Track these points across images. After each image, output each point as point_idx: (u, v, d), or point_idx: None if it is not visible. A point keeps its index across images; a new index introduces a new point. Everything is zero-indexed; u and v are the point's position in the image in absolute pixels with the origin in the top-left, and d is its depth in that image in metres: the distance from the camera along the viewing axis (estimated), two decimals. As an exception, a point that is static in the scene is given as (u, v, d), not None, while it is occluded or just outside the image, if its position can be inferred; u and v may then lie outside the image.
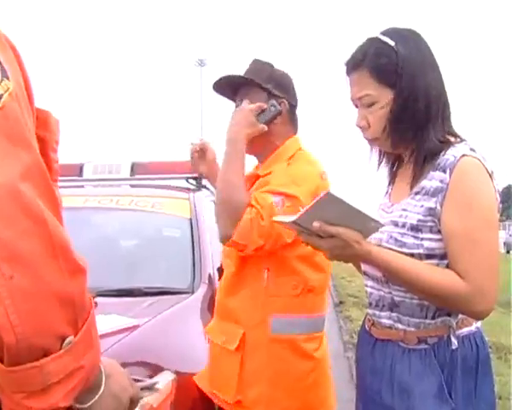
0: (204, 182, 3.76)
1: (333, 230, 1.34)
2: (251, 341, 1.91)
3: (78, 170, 3.69)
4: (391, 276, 1.46)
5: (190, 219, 3.03)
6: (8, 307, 0.70)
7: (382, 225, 1.42)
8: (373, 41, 1.51)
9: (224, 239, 1.84)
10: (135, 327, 1.98)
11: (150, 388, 1.24)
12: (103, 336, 1.81)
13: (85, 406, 0.84)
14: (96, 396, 0.86)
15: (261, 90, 2.01)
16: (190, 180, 3.73)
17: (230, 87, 2.09)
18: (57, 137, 0.90)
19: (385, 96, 1.47)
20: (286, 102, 2.03)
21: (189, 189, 3.59)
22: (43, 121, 0.83)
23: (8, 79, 0.78)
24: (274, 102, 1.98)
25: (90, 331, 0.81)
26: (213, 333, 2.03)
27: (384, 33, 1.51)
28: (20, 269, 0.72)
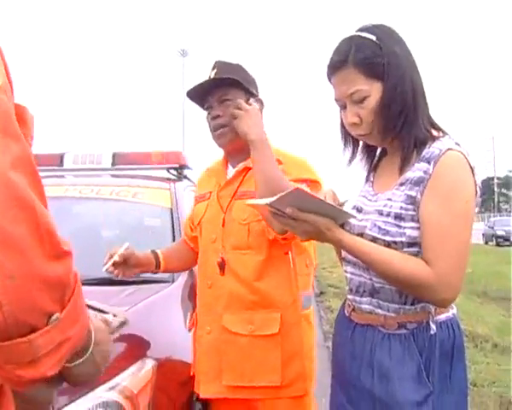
0: (185, 172, 3.79)
1: (304, 216, 1.45)
2: (287, 321, 2.02)
3: (59, 160, 3.67)
4: (363, 262, 1.51)
5: (171, 209, 3.05)
6: None
7: (353, 216, 1.51)
8: (352, 39, 1.53)
9: (283, 232, 1.87)
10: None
11: (124, 322, 1.27)
12: None
13: (69, 365, 0.90)
14: (81, 359, 0.92)
15: (241, 90, 2.05)
16: (171, 170, 3.74)
17: (202, 89, 2.10)
18: (32, 133, 0.93)
19: (375, 89, 1.50)
20: (260, 99, 2.10)
21: (169, 179, 3.59)
22: (19, 117, 0.84)
23: None
24: (254, 99, 2.03)
25: (76, 306, 0.84)
26: (232, 324, 2.02)
27: (363, 29, 1.53)
28: (10, 254, 0.74)
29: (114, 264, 2.13)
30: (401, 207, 1.48)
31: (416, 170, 1.48)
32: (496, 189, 79.46)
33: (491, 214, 61.20)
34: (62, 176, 3.64)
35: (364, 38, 1.51)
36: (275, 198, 1.46)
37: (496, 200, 79.63)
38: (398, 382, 1.47)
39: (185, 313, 2.46)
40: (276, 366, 1.98)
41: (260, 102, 2.08)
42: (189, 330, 2.27)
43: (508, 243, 31.03)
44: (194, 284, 2.58)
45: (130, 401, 1.62)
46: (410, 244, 1.46)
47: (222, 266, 2.04)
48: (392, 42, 1.52)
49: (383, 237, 1.48)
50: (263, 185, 1.86)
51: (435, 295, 1.43)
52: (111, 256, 2.13)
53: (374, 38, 1.51)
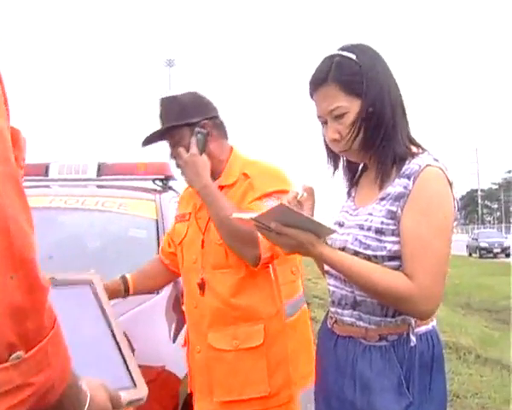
0: (170, 183, 3.79)
1: (287, 231, 1.48)
2: (271, 331, 2.04)
3: (44, 170, 3.64)
4: (345, 276, 1.55)
5: (156, 220, 3.05)
6: None
7: (334, 231, 1.54)
8: (333, 57, 1.57)
9: (257, 262, 1.96)
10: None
11: (140, 400, 1.24)
12: None
13: None
14: None
15: (184, 127, 2.08)
16: (157, 181, 3.74)
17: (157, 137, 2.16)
18: (24, 155, 0.92)
19: (355, 106, 1.54)
20: (207, 121, 2.10)
21: (155, 190, 3.60)
22: (13, 139, 0.83)
23: None
24: (197, 129, 2.05)
25: (47, 351, 0.79)
26: (217, 342, 2.04)
27: (343, 49, 1.58)
28: None
29: None
30: (382, 222, 1.51)
31: (396, 185, 1.51)
32: (480, 201, 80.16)
33: (475, 226, 61.73)
34: (47, 186, 3.63)
35: (345, 56, 1.56)
36: (259, 213, 1.51)
37: (480, 212, 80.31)
38: (379, 393, 1.49)
39: (170, 324, 2.46)
40: (263, 376, 2.00)
41: (209, 126, 2.10)
42: (182, 347, 2.27)
43: (491, 256, 31.34)
44: (178, 295, 2.58)
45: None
46: (391, 258, 1.50)
47: (202, 286, 2.08)
48: (371, 61, 1.57)
49: (364, 251, 1.52)
50: (219, 227, 1.98)
51: (416, 308, 1.46)
52: None
53: (354, 56, 1.55)
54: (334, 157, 1.70)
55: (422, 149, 1.57)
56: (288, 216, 1.47)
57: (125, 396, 1.08)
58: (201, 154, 2.02)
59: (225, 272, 2.04)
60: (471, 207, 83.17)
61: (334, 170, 1.71)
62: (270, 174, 2.10)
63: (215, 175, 2.08)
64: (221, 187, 2.08)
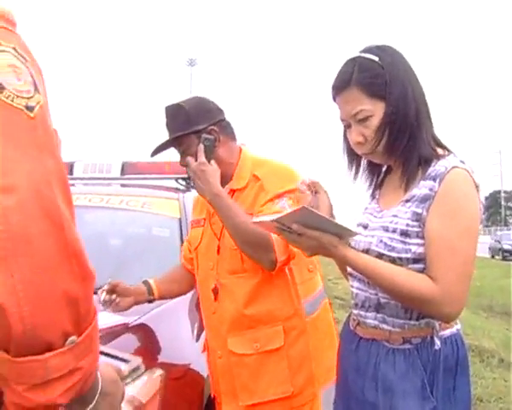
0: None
1: (309, 232, 1.47)
2: (291, 332, 2.04)
3: (69, 168, 3.69)
4: (368, 278, 1.54)
5: (179, 219, 3.08)
6: (21, 300, 0.75)
7: (357, 234, 1.55)
8: (355, 60, 1.57)
9: (273, 266, 1.96)
10: (124, 325, 2.01)
11: (136, 369, 1.26)
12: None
13: None
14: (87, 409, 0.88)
15: (191, 135, 2.05)
16: (180, 180, 3.76)
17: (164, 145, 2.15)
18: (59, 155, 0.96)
19: (379, 109, 1.53)
20: (213, 126, 2.07)
21: (178, 189, 3.62)
22: None
23: (39, 92, 0.85)
24: (204, 136, 2.02)
25: (92, 336, 0.84)
26: (237, 347, 2.04)
27: (366, 51, 1.57)
28: (37, 266, 0.76)
29: (105, 302, 2.11)
30: (407, 224, 1.50)
31: (422, 187, 1.50)
32: (503, 202, 79.18)
33: (498, 228, 60.97)
34: (72, 185, 3.67)
35: (367, 58, 1.55)
36: (281, 215, 1.52)
37: (503, 213, 79.35)
38: (402, 396, 1.49)
39: (193, 324, 2.47)
40: (285, 376, 2.01)
41: (216, 131, 2.07)
42: (202, 353, 2.27)
43: (514, 257, 30.86)
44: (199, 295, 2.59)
45: (138, 411, 1.62)
46: (416, 260, 1.49)
47: (216, 292, 2.08)
48: (394, 62, 1.56)
49: (389, 253, 1.51)
50: (233, 235, 1.97)
51: (440, 311, 1.45)
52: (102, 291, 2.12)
53: (376, 58, 1.54)
54: (355, 160, 1.69)
55: (448, 150, 1.56)
56: (310, 218, 1.47)
57: (125, 368, 1.12)
58: (210, 161, 1.99)
59: (241, 276, 2.04)
60: (494, 209, 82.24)
61: (356, 173, 1.71)
62: (279, 174, 2.09)
63: (226, 179, 2.08)
64: (232, 191, 2.08)
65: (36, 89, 0.85)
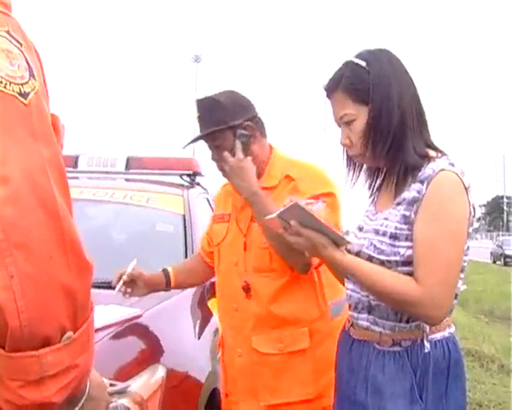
0: (197, 179, 3.80)
1: (303, 232, 1.51)
2: (316, 334, 2.03)
3: (73, 161, 3.68)
4: (356, 281, 1.57)
5: (184, 215, 3.08)
6: (16, 293, 0.73)
7: (348, 242, 1.56)
8: (347, 64, 1.61)
9: (307, 269, 1.97)
10: (126, 321, 2.00)
11: (122, 392, 1.26)
12: (110, 325, 1.84)
13: None
14: None
15: (225, 131, 2.00)
16: (184, 177, 3.76)
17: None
18: (62, 142, 0.93)
19: (362, 114, 1.57)
20: (249, 122, 2.03)
21: (182, 185, 3.62)
22: (53, 125, 0.86)
23: (34, 78, 0.82)
24: (240, 131, 1.98)
25: (88, 333, 0.82)
26: (262, 346, 2.02)
27: (357, 55, 1.61)
28: (32, 258, 0.74)
29: (124, 283, 2.12)
30: (396, 227, 1.53)
31: (411, 190, 1.52)
32: (505, 208, 79.07)
33: (500, 233, 60.92)
34: (76, 178, 3.66)
35: (356, 63, 1.58)
36: (281, 209, 1.54)
37: (505, 219, 79.23)
38: (390, 398, 1.51)
39: (195, 321, 2.47)
40: (309, 378, 1.99)
41: (251, 127, 2.03)
42: (217, 351, 2.26)
43: (516, 263, 30.78)
44: (204, 292, 2.58)
45: (139, 407, 1.62)
46: (404, 263, 1.51)
47: (247, 289, 2.04)
48: (382, 68, 1.58)
49: (378, 256, 1.53)
50: (271, 237, 1.91)
51: (424, 313, 1.47)
52: (120, 276, 2.12)
53: (364, 63, 1.57)
54: (354, 163, 1.71)
55: (442, 152, 1.57)
56: (304, 217, 1.50)
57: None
58: (246, 157, 1.96)
59: (268, 275, 2.02)
60: (496, 214, 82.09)
61: (353, 176, 1.72)
62: (315, 177, 2.06)
63: (257, 176, 2.02)
64: (263, 189, 2.02)
65: (31, 74, 0.82)
